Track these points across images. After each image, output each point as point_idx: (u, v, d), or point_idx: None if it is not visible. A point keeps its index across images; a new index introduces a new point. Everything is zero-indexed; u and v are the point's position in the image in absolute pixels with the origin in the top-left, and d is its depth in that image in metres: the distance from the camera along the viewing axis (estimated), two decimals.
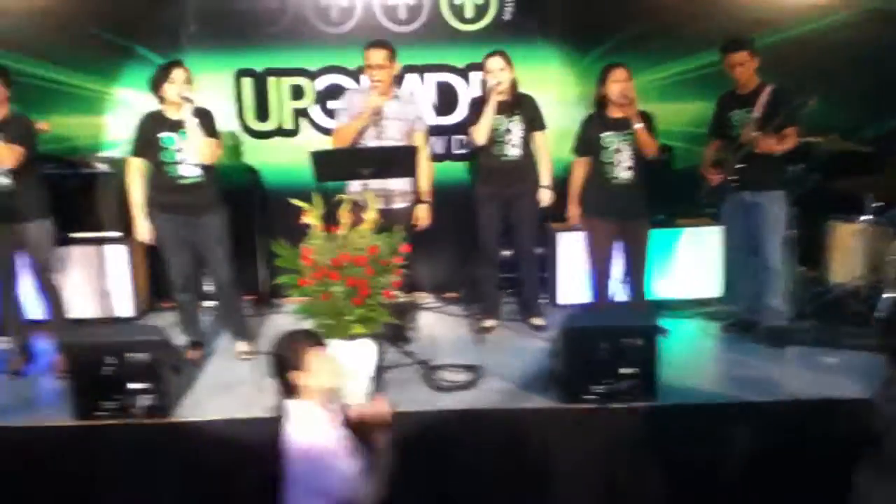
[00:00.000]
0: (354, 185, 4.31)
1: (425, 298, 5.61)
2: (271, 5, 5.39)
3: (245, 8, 5.38)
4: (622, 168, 4.38)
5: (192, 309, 4.53)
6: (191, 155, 4.17)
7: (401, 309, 4.54)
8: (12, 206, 4.15)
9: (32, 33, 5.30)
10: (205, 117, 4.20)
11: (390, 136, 4.42)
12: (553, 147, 4.80)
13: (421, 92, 5.46)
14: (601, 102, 4.42)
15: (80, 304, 4.97)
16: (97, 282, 5.18)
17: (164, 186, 4.22)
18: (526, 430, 3.69)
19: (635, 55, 5.17)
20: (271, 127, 5.56)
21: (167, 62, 4.21)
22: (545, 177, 4.73)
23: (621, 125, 4.33)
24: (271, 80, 5.49)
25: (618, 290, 4.59)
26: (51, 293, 4.36)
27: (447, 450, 3.63)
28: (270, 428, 2.70)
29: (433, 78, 5.52)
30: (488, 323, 4.92)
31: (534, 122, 4.69)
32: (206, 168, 4.22)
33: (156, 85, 4.15)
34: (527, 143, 4.67)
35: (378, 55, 4.36)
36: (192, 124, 4.09)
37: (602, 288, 4.56)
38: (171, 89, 4.10)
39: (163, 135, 4.17)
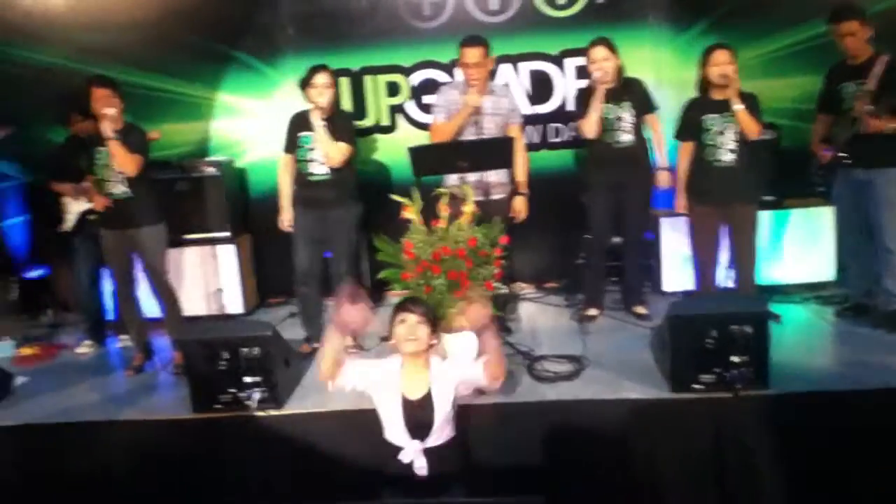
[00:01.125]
0: (452, 179, 4.34)
1: (525, 289, 5.59)
2: (363, 4, 5.47)
3: (338, 8, 5.49)
4: (725, 151, 4.23)
5: (313, 303, 4.64)
6: (320, 154, 4.34)
7: (502, 300, 4.54)
8: (129, 213, 4.37)
9: (138, 46, 5.56)
10: (340, 121, 4.39)
11: (488, 130, 4.42)
12: None
13: (514, 81, 5.43)
14: (703, 85, 4.29)
15: (193, 302, 5.20)
16: (208, 281, 5.40)
17: (300, 182, 4.47)
18: (631, 422, 3.63)
19: (735, 31, 5.00)
20: (369, 124, 5.65)
21: (313, 66, 4.35)
22: (661, 158, 4.67)
23: (723, 107, 4.19)
24: (367, 78, 5.58)
25: (724, 277, 4.45)
26: (165, 294, 4.56)
27: (550, 441, 3.61)
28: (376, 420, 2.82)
29: (527, 67, 5.48)
30: (591, 312, 4.86)
31: (644, 105, 4.62)
32: (336, 167, 4.36)
33: (302, 87, 4.34)
34: (638, 128, 4.61)
35: (474, 53, 4.35)
36: (319, 127, 4.26)
37: (708, 275, 4.43)
38: (310, 93, 4.27)
39: (302, 134, 4.39)
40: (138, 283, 4.59)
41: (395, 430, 2.93)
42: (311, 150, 4.39)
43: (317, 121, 4.28)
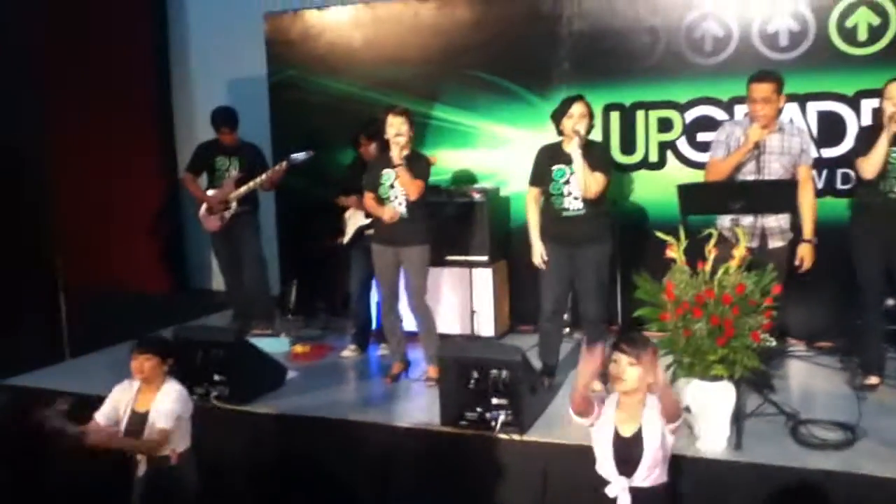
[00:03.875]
0: (723, 221, 4.12)
1: (796, 346, 5.14)
2: (645, 40, 5.41)
3: (619, 45, 5.46)
4: None
5: (555, 338, 4.63)
6: (576, 188, 4.32)
7: (768, 354, 4.21)
8: (401, 232, 4.64)
9: (423, 79, 5.95)
10: (595, 152, 4.34)
11: (772, 171, 4.13)
12: None
13: (801, 122, 5.06)
14: None
15: (447, 320, 5.40)
16: (463, 301, 5.59)
17: (551, 216, 4.44)
18: None
19: None
20: (636, 160, 5.55)
21: (570, 96, 4.39)
22: None
23: None
24: (639, 114, 5.49)
25: None
26: (422, 310, 4.75)
27: None
28: None
29: (815, 107, 5.08)
30: (871, 380, 4.34)
31: None
32: (591, 202, 4.32)
33: (556, 118, 4.38)
34: None
35: (765, 89, 4.09)
36: (578, 157, 4.22)
37: None
38: (567, 123, 4.29)
39: (555, 167, 4.38)
40: (401, 298, 4.84)
41: (605, 463, 2.94)
42: (566, 183, 4.34)
43: (575, 150, 4.23)
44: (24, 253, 6.98)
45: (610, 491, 2.89)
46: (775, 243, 4.20)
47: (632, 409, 2.92)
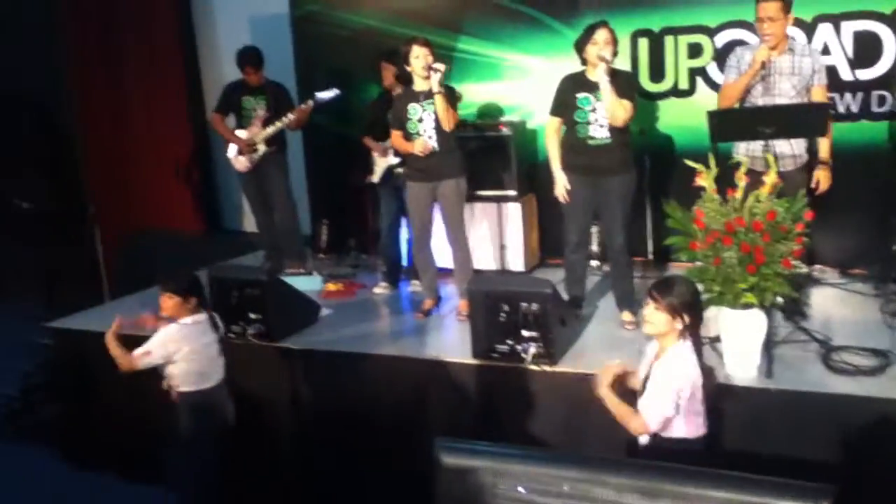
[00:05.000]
0: (739, 148, 4.05)
1: (827, 273, 5.09)
2: None
3: None
4: None
5: (581, 269, 4.64)
6: (602, 116, 4.26)
7: (799, 281, 4.18)
8: (436, 166, 4.62)
9: (445, 9, 5.87)
10: (621, 79, 4.25)
11: (781, 91, 4.08)
12: None
13: (835, 43, 4.91)
14: None
15: (478, 255, 5.43)
16: (493, 236, 5.60)
17: (575, 147, 4.38)
18: None
19: None
20: (666, 87, 5.44)
21: (593, 23, 4.28)
22: None
23: None
24: (668, 39, 5.35)
25: None
26: (460, 244, 4.77)
27: (842, 438, 3.32)
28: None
29: (850, 26, 4.91)
30: None
31: None
32: (617, 130, 4.26)
33: (579, 46, 4.29)
34: None
35: (771, 7, 4.00)
36: (605, 84, 4.15)
37: None
38: (591, 50, 4.20)
39: (580, 95, 4.31)
40: (433, 234, 4.86)
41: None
42: (593, 111, 4.28)
43: (602, 78, 4.14)
44: (59, 201, 7.13)
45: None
46: (786, 167, 4.13)
47: (662, 353, 2.94)
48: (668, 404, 2.81)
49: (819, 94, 4.16)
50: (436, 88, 4.42)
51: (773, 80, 4.07)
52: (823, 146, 4.21)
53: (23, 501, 4.48)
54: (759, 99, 4.13)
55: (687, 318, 2.86)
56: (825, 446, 3.32)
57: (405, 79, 4.75)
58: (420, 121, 4.59)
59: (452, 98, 4.59)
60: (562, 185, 4.42)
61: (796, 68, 4.12)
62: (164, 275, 3.67)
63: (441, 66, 4.42)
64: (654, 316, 2.90)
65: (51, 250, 6.99)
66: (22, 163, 7.10)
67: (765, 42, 4.05)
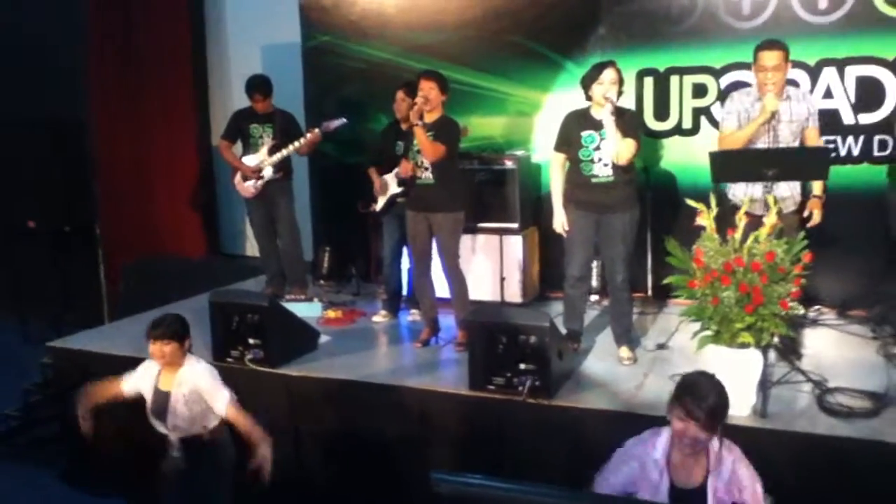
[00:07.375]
0: (735, 189, 4.09)
1: (826, 314, 5.10)
2: (682, 2, 5.31)
3: (655, 8, 5.38)
4: None
5: (580, 303, 4.65)
6: (606, 154, 4.29)
7: (796, 322, 4.19)
8: (430, 197, 4.67)
9: (458, 45, 5.92)
10: (626, 118, 4.28)
11: (783, 138, 4.11)
12: None
13: (839, 87, 4.97)
14: None
15: (478, 286, 5.44)
16: (496, 268, 5.62)
17: (579, 183, 4.41)
18: None
19: None
20: (669, 126, 5.49)
21: (600, 62, 4.34)
22: None
23: None
24: (673, 79, 5.42)
25: None
26: (455, 276, 4.79)
27: (835, 477, 3.32)
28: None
29: (854, 71, 4.97)
30: None
31: None
32: (621, 168, 4.29)
33: (586, 84, 4.33)
34: None
35: (773, 57, 4.05)
36: (610, 124, 4.18)
37: None
38: (597, 89, 4.25)
39: (584, 133, 4.35)
40: (433, 264, 4.88)
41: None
42: (597, 149, 4.32)
43: (607, 117, 4.18)
44: (66, 220, 7.19)
45: None
46: (787, 209, 4.17)
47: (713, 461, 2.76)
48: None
49: (813, 137, 4.22)
50: (413, 120, 4.50)
51: (777, 128, 4.10)
52: (818, 183, 4.26)
53: None
54: (758, 144, 4.15)
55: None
56: (818, 487, 3.30)
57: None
58: (419, 152, 4.66)
59: (448, 131, 4.62)
60: (560, 221, 4.46)
61: (794, 114, 4.17)
62: (152, 324, 3.45)
63: (420, 100, 4.48)
64: (700, 435, 2.65)
65: (57, 271, 7.05)
66: (39, 184, 7.16)
67: (771, 91, 4.06)
